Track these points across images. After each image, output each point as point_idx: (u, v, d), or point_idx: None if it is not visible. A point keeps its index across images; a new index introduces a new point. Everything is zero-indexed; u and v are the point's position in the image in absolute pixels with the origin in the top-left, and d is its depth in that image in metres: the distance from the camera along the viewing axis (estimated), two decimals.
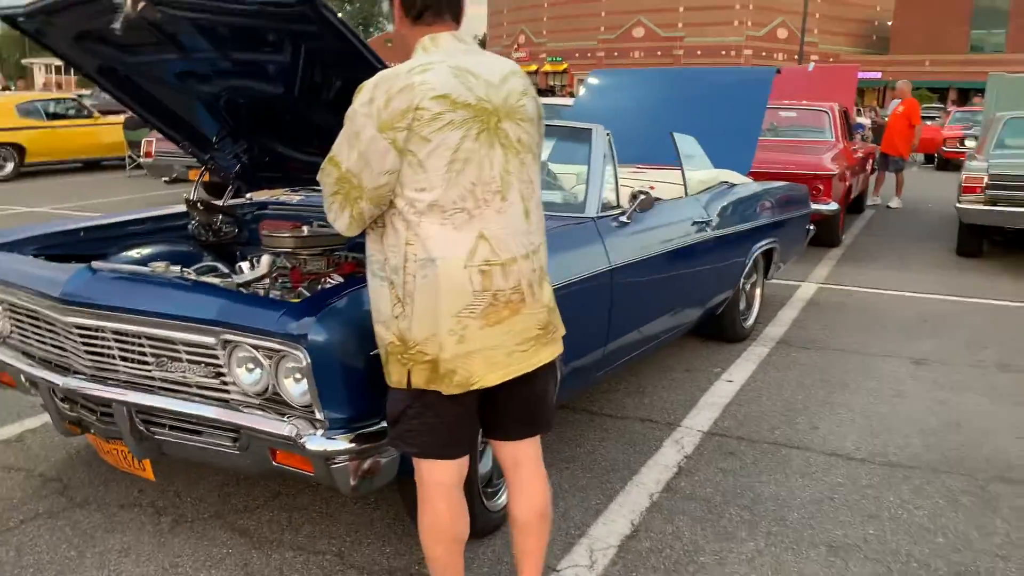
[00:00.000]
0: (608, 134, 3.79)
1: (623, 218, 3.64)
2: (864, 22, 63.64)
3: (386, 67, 2.55)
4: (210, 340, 2.39)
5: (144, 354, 2.54)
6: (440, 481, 2.14)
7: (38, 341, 2.85)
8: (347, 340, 2.25)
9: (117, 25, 2.61)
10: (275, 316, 2.28)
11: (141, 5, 2.59)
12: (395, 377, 2.06)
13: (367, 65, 2.52)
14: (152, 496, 3.17)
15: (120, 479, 3.27)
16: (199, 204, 3.69)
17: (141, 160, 11.42)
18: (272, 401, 2.39)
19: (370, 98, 1.90)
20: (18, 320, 2.91)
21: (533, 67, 58.29)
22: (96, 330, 2.58)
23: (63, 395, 2.74)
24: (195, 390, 2.50)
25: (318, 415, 2.28)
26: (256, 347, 2.33)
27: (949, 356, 5.11)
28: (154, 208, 3.96)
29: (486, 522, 2.84)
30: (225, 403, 2.47)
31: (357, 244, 3.42)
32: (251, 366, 2.38)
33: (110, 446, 2.76)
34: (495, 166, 1.97)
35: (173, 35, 2.75)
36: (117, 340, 2.56)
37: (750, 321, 5.47)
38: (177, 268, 3.12)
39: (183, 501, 3.14)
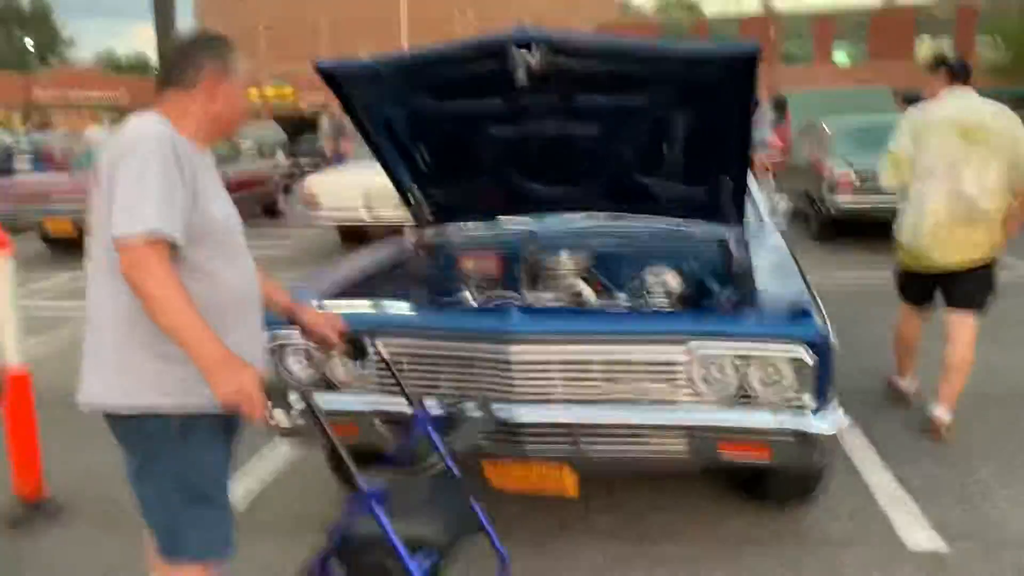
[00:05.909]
0: None
1: None
2: None
3: None
4: (678, 355, 2.69)
5: (591, 373, 2.76)
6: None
7: (426, 381, 2.88)
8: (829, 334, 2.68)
9: (522, 75, 2.79)
10: (770, 323, 2.67)
11: (541, 53, 2.79)
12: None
13: (743, 111, 2.96)
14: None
15: None
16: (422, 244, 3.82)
17: None
18: (730, 400, 2.73)
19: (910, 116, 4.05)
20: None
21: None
22: (543, 358, 2.75)
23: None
24: (644, 403, 2.76)
25: (811, 404, 2.66)
26: (736, 353, 2.67)
27: None
28: (380, 247, 3.99)
29: None
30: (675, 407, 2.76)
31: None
32: (715, 373, 2.71)
33: (526, 470, 2.87)
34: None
35: (543, 82, 2.96)
36: (562, 366, 2.75)
37: None
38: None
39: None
